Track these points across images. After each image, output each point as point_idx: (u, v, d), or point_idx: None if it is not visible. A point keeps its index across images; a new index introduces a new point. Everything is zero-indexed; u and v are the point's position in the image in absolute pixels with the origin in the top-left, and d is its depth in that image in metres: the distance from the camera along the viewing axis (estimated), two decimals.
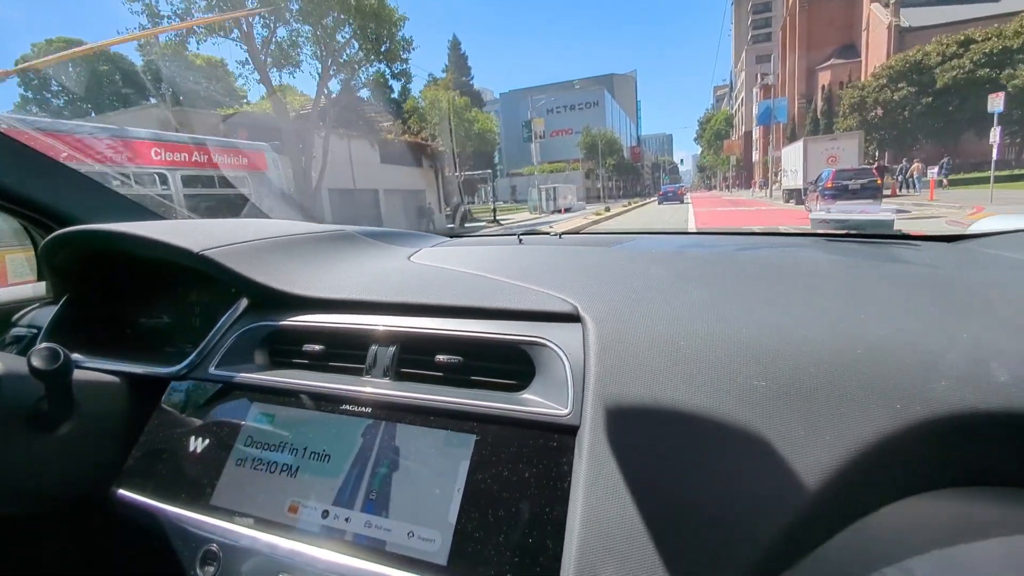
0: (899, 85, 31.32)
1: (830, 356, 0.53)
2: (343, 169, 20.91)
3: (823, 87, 46.64)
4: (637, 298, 0.70)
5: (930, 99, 30.21)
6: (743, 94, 78.30)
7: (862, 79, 37.59)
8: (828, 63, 47.28)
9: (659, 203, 36.32)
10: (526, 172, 59.16)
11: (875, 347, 0.53)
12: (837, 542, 0.46)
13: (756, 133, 64.16)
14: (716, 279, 0.80)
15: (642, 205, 34.88)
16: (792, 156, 24.53)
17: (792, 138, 34.87)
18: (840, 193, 14.74)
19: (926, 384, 0.48)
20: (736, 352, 0.56)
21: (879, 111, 32.58)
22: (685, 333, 0.59)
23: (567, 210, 30.16)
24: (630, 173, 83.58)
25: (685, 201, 36.08)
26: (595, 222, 16.51)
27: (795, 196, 23.65)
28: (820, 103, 45.96)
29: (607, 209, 25.24)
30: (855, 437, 0.46)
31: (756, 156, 64.90)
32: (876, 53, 40.37)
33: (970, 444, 0.47)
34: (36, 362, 0.63)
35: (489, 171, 25.38)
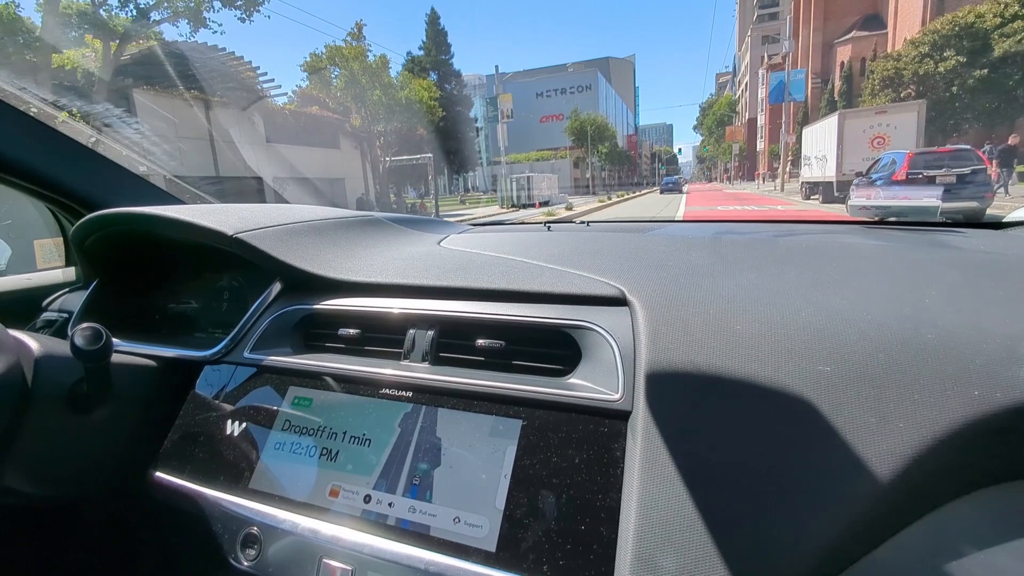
0: (944, 54, 25.42)
1: (899, 341, 0.51)
2: (198, 149, 15.08)
3: (842, 64, 40.61)
4: (685, 282, 0.67)
5: (984, 71, 24.37)
6: (747, 78, 72.15)
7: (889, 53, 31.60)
8: (849, 36, 41.17)
9: (661, 192, 40.55)
10: (510, 160, 53.34)
11: (946, 332, 0.51)
12: (910, 534, 0.45)
13: (761, 119, 58.26)
14: (762, 263, 0.76)
15: (621, 201, 28.69)
16: (819, 138, 18.39)
17: (804, 122, 29.02)
18: (924, 184, 8.95)
19: (1006, 370, 0.46)
20: (798, 336, 0.53)
21: (911, 90, 26.73)
22: (741, 317, 0.57)
23: (543, 203, 24.60)
24: (625, 163, 77.49)
25: (683, 191, 37.16)
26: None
27: (822, 191, 17.67)
28: (838, 82, 40.00)
29: (569, 208, 19.22)
30: (930, 425, 0.45)
31: (761, 145, 59.08)
32: (907, 22, 34.37)
33: None
34: (79, 341, 0.62)
35: (429, 155, 19.29)
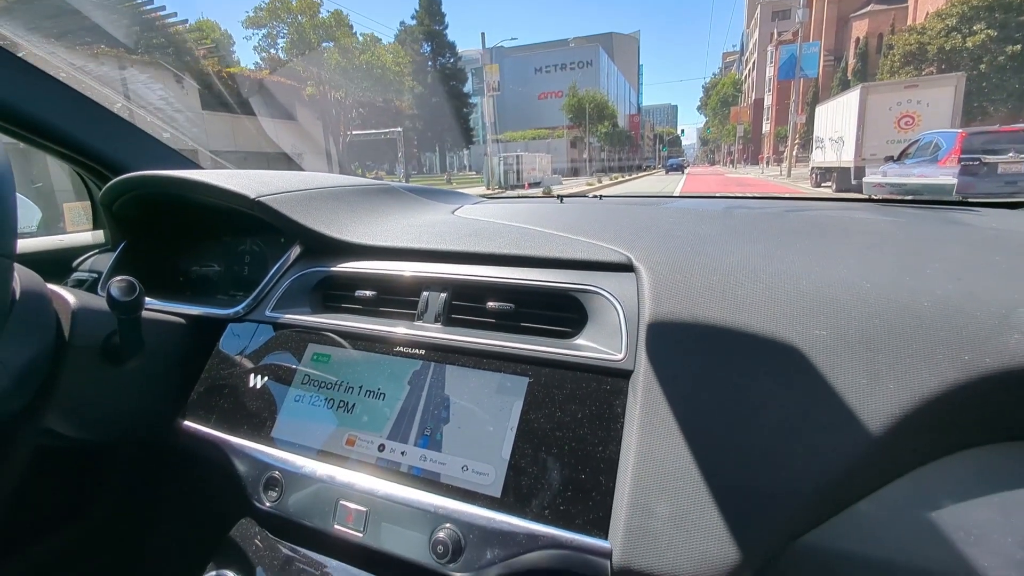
0: (974, 27, 23.06)
1: (895, 308, 0.53)
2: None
3: (857, 40, 37.98)
4: (691, 250, 0.69)
5: (1017, 47, 22.06)
6: (755, 56, 69.10)
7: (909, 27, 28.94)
8: (866, 9, 38.42)
9: (666, 172, 43.81)
10: (505, 138, 50.79)
11: (943, 300, 0.52)
12: (893, 488, 0.47)
13: (768, 99, 55.64)
14: (770, 235, 0.78)
15: (614, 184, 26.21)
16: (835, 117, 16.12)
17: (815, 102, 26.63)
18: (985, 176, 6.93)
19: (997, 337, 0.47)
20: (797, 302, 0.56)
21: (934, 68, 24.38)
22: (744, 282, 0.60)
23: (534, 184, 22.52)
24: (626, 143, 74.64)
25: (684, 172, 37.26)
26: None
27: (836, 177, 15.53)
28: (853, 60, 37.42)
29: (547, 191, 17.05)
30: (919, 387, 0.46)
31: (767, 127, 56.60)
32: None
33: None
34: (115, 292, 0.65)
35: (399, 129, 17.10)
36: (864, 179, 10.15)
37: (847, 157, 14.44)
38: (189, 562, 0.75)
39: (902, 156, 9.16)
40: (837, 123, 15.73)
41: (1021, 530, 0.42)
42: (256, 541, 0.71)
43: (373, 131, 18.35)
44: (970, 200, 1.22)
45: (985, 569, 0.41)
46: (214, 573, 0.67)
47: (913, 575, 0.43)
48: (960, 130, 7.81)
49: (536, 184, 22.35)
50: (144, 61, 13.54)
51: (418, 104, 26.80)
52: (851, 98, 14.67)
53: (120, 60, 13.03)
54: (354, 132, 17.97)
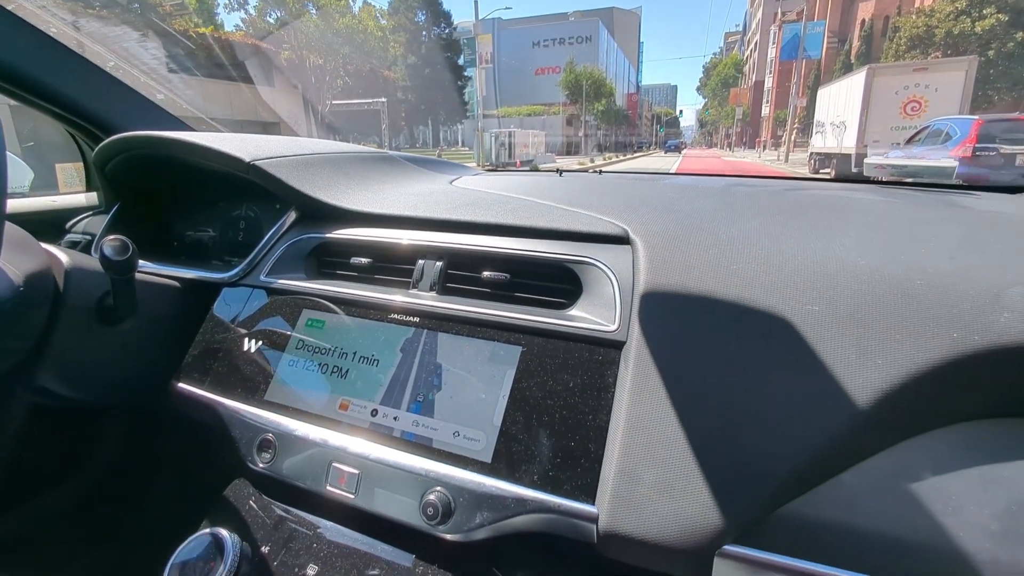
0: (984, 11, 22.25)
1: (888, 285, 0.53)
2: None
3: (863, 22, 36.91)
4: (688, 225, 0.70)
5: None
6: (758, 36, 67.63)
7: (916, 11, 27.97)
8: None
9: (665, 152, 44.94)
10: (501, 114, 49.49)
11: (935, 279, 0.53)
12: (876, 460, 0.48)
13: (769, 82, 54.60)
14: (768, 212, 0.78)
15: (608, 164, 25.36)
16: (838, 100, 15.45)
17: (816, 85, 25.74)
18: (1001, 167, 6.37)
19: (987, 315, 0.48)
20: (791, 276, 0.57)
21: (940, 53, 23.62)
22: (739, 257, 0.60)
23: (525, 163, 21.71)
24: (623, 123, 73.24)
25: (681, 153, 40.40)
26: None
27: (836, 164, 14.93)
28: (857, 42, 36.44)
29: (534, 169, 16.30)
30: (907, 362, 0.47)
31: (766, 110, 55.69)
32: None
33: None
34: (108, 251, 0.65)
35: (383, 100, 16.20)
36: (866, 160, 9.65)
37: (848, 143, 13.81)
38: (183, 521, 0.73)
39: (910, 144, 8.57)
40: (840, 107, 15.04)
41: (999, 503, 0.43)
42: (249, 501, 0.71)
43: (356, 101, 17.44)
44: (970, 185, 1.17)
45: (962, 540, 0.42)
46: (207, 531, 0.65)
47: (892, 544, 0.44)
48: (976, 117, 7.21)
49: (528, 162, 21.55)
50: (101, 16, 12.55)
51: (411, 75, 25.67)
52: (856, 80, 13.97)
53: (75, 13, 12.06)
54: (335, 102, 17.04)
